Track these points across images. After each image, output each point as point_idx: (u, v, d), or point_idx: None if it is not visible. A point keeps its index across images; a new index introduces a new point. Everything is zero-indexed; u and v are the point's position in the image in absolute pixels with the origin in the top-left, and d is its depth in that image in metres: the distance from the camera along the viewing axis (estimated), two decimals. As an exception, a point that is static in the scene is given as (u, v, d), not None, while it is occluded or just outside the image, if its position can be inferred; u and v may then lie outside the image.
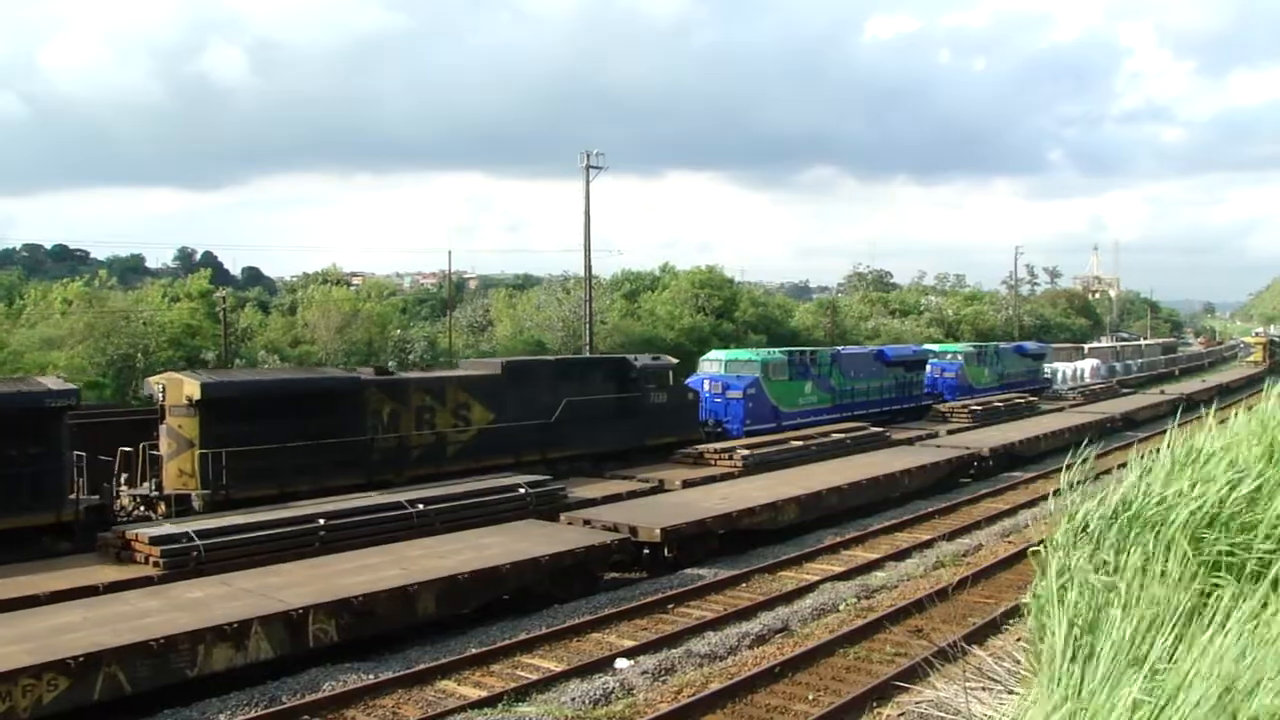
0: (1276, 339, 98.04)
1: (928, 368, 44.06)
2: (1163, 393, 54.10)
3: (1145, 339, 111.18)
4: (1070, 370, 61.34)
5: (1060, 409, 44.28)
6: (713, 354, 34.91)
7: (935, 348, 49.00)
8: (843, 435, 30.65)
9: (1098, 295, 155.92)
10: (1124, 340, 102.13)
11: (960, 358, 46.61)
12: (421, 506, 18.67)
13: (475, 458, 22.93)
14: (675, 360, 29.72)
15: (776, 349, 37.39)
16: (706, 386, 31.49)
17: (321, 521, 17.27)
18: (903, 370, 40.63)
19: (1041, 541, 7.44)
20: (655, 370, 28.16)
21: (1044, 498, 25.58)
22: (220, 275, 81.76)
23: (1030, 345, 58.11)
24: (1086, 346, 79.66)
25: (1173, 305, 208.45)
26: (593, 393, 26.10)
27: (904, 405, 40.05)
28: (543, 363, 27.38)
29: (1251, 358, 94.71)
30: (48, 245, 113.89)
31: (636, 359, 28.39)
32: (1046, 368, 57.58)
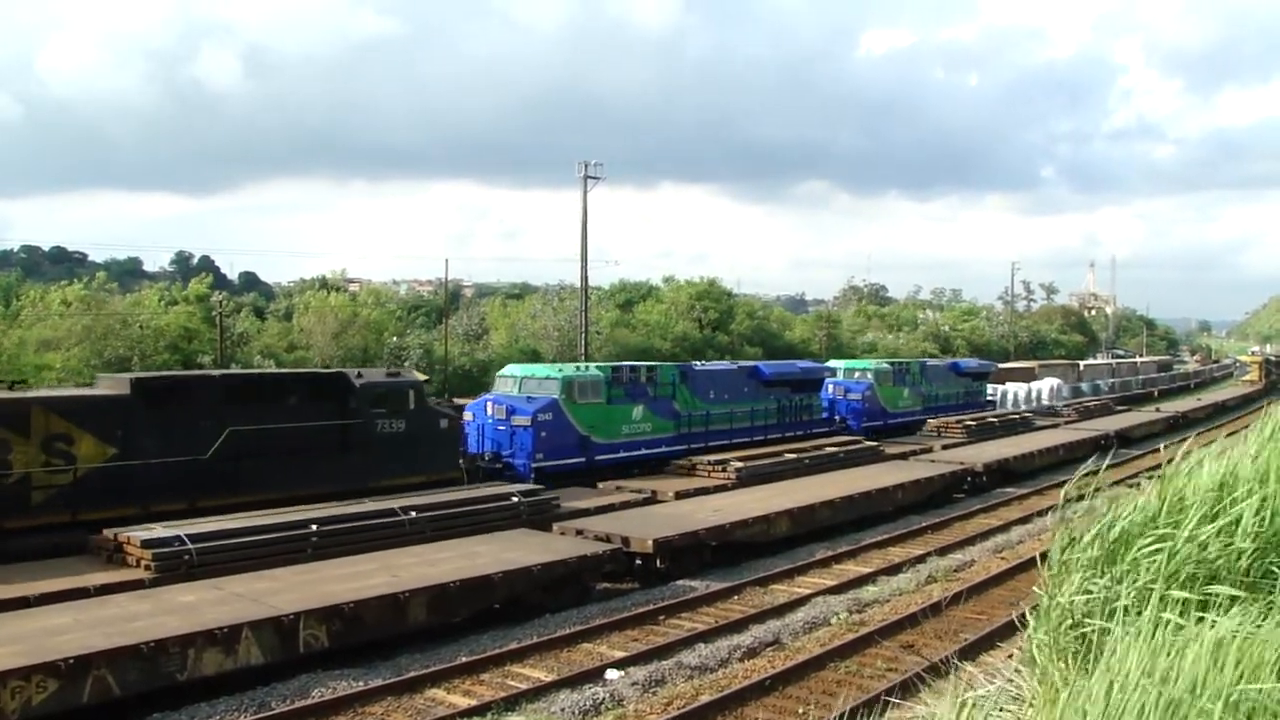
0: (1273, 358, 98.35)
1: (829, 388, 37.44)
2: (1158, 410, 54.24)
3: (1141, 356, 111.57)
4: (1022, 392, 53.97)
5: (1055, 425, 44.35)
6: (508, 369, 28.72)
7: (840, 364, 41.60)
8: (836, 449, 30.66)
9: (1094, 312, 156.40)
10: (1119, 357, 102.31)
11: (870, 376, 39.17)
12: (414, 514, 18.65)
13: (78, 508, 17.21)
14: (423, 377, 24.31)
15: (596, 364, 30.56)
16: (488, 410, 25.35)
17: (314, 527, 17.25)
18: (787, 391, 33.80)
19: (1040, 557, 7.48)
20: (386, 390, 21.75)
21: (1038, 514, 25.76)
22: (217, 280, 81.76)
23: (968, 362, 51.06)
24: (1082, 364, 79.59)
25: (1169, 322, 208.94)
26: (279, 419, 19.75)
27: (787, 434, 32.86)
28: (199, 380, 21.03)
29: (1247, 377, 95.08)
30: (45, 247, 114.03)
31: (360, 375, 22.01)
32: (993, 389, 51.04)
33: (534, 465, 24.31)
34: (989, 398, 49.42)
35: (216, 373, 22.62)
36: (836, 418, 37.07)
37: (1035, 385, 56.90)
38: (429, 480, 21.55)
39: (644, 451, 27.80)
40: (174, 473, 18.22)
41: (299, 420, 20.08)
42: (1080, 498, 7.97)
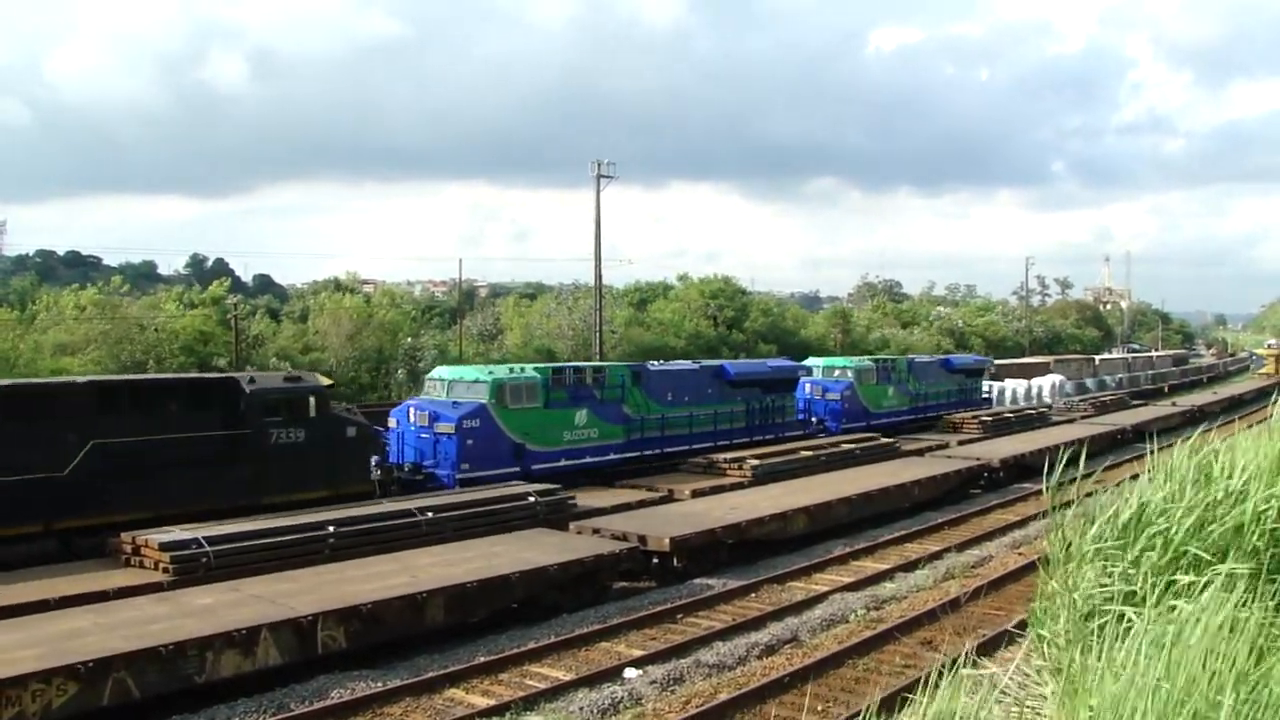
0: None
1: (806, 388, 35.40)
2: (1174, 404, 53.97)
3: (1156, 350, 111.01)
4: (1021, 390, 51.68)
5: (1071, 420, 44.26)
6: (438, 371, 26.52)
7: (818, 362, 38.90)
8: (852, 446, 30.60)
9: (1109, 306, 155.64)
10: (1135, 352, 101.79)
11: (850, 374, 36.71)
12: (431, 515, 18.68)
13: None
14: (327, 381, 22.05)
15: (534, 365, 28.48)
16: (411, 416, 23.48)
17: (331, 529, 17.28)
18: (757, 392, 31.62)
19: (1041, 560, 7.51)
20: (281, 397, 19.86)
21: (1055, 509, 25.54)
22: (234, 283, 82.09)
23: (961, 358, 49.00)
24: (1097, 358, 79.15)
25: (1184, 316, 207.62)
26: (154, 430, 17.89)
27: (755, 439, 30.71)
28: (58, 387, 18.76)
29: (1264, 370, 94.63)
30: (61, 251, 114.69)
31: (252, 380, 20.10)
32: (991, 385, 49.04)
33: (459, 476, 22.48)
34: (985, 395, 47.32)
35: (81, 379, 19.94)
36: (814, 419, 34.98)
37: (1036, 382, 55.06)
38: (333, 495, 19.80)
39: (589, 460, 25.67)
40: (25, 491, 16.35)
41: (178, 431, 18.35)
42: (1089, 494, 7.99)
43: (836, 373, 37.16)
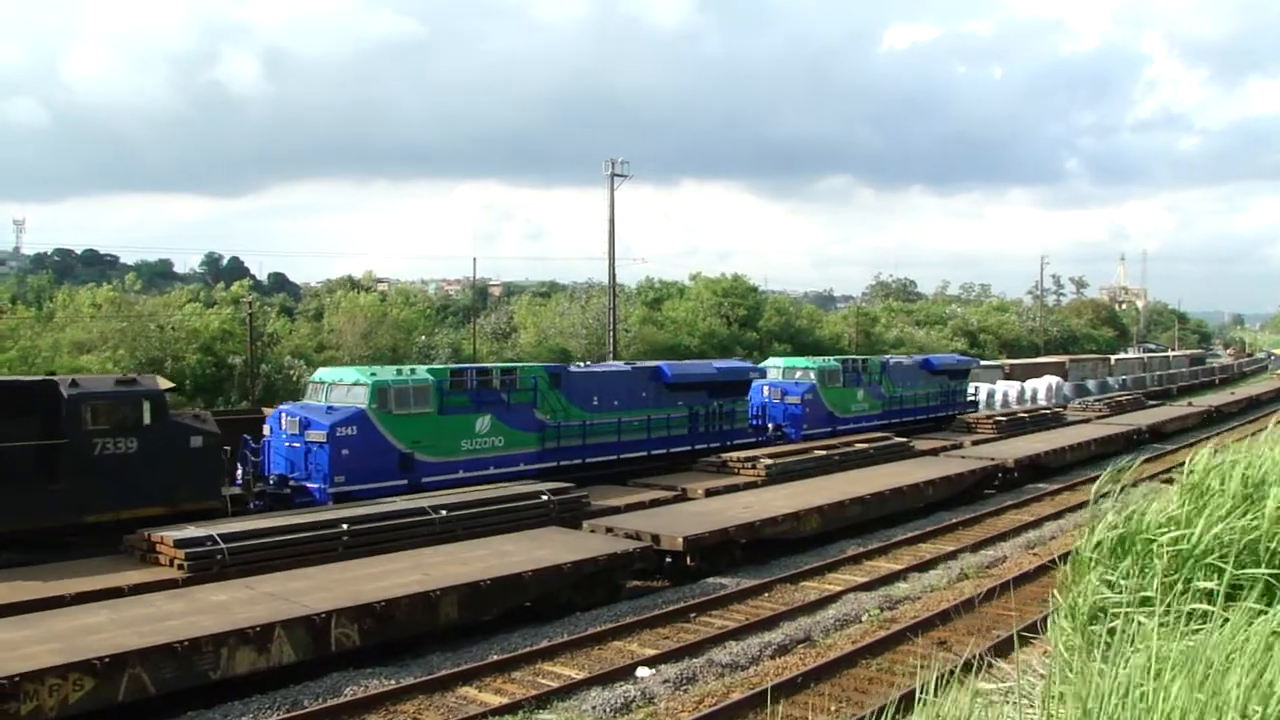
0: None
1: (764, 390, 32.79)
2: (1190, 405, 53.65)
3: (1173, 350, 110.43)
4: (1014, 392, 49.55)
5: (1086, 420, 44.04)
6: (320, 373, 23.70)
7: (778, 362, 36.10)
8: (866, 445, 30.53)
9: (1125, 306, 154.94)
10: (1151, 352, 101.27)
11: (813, 375, 33.78)
12: (444, 512, 18.71)
13: None
14: (168, 385, 19.62)
15: (429, 368, 25.27)
16: (282, 423, 21.24)
17: (345, 526, 17.34)
18: (702, 395, 28.83)
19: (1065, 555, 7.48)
20: (107, 402, 17.43)
21: (1070, 510, 25.54)
22: (252, 282, 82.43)
23: (943, 358, 45.21)
24: (1113, 358, 78.78)
25: (1201, 316, 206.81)
26: None
27: (698, 446, 28.15)
28: None
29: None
30: (78, 250, 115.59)
31: (75, 382, 17.48)
32: (976, 388, 46.54)
33: (332, 490, 20.30)
34: (971, 398, 44.76)
35: None
36: (770, 425, 32.30)
37: (1031, 384, 53.16)
38: (175, 511, 17.63)
39: (493, 471, 23.19)
40: None
41: None
42: (1106, 495, 7.96)
43: (798, 374, 34.32)
